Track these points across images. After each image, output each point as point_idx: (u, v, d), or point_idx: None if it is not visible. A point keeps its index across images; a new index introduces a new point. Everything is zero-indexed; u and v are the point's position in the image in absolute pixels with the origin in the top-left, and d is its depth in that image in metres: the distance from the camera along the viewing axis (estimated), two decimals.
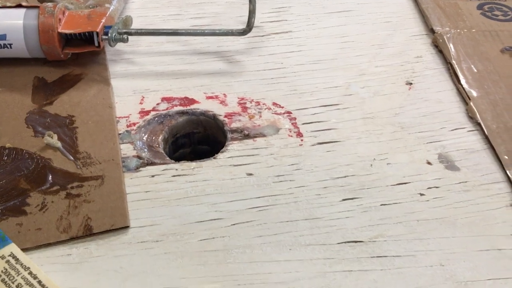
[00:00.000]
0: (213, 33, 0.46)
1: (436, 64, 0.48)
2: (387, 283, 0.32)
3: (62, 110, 0.41)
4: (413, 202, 0.37)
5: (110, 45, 0.44)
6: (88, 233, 0.34)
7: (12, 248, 0.31)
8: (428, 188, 0.38)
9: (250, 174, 0.38)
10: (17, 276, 0.30)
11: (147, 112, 0.42)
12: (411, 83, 0.46)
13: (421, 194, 0.37)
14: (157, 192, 0.37)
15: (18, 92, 0.42)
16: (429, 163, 0.39)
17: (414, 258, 0.34)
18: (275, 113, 0.43)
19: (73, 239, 0.34)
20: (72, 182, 0.36)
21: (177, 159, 0.40)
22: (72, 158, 0.38)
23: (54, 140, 0.38)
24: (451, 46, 0.48)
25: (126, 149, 0.39)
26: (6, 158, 0.38)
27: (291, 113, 0.43)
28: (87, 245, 0.34)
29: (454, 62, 0.47)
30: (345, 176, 0.38)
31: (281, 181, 0.38)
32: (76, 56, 0.45)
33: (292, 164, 0.39)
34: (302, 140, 0.41)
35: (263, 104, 0.43)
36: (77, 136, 0.39)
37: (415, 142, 0.41)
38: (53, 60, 0.44)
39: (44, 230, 0.34)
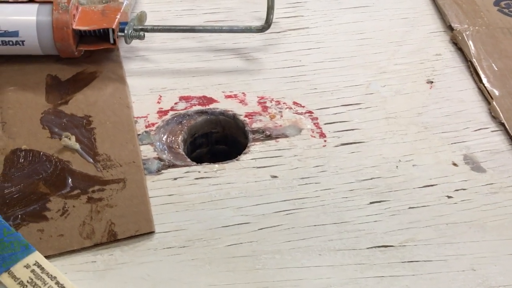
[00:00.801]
0: (231, 30, 0.45)
1: (456, 62, 0.47)
2: None
3: (78, 110, 0.40)
4: (441, 205, 0.36)
5: (126, 42, 0.43)
6: (112, 239, 0.33)
7: (36, 256, 0.30)
8: (456, 190, 0.37)
9: (275, 177, 0.37)
10: (44, 286, 0.29)
11: (166, 112, 0.41)
12: (432, 82, 0.45)
13: (449, 197, 0.37)
14: (180, 195, 0.36)
15: (31, 91, 0.41)
16: (455, 164, 0.39)
17: (446, 262, 0.33)
18: (296, 113, 0.42)
19: (96, 245, 0.33)
20: (93, 185, 0.35)
21: (195, 159, 0.39)
22: (91, 160, 0.37)
23: (72, 141, 0.37)
24: (470, 43, 0.48)
25: (146, 151, 0.38)
26: (22, 160, 0.36)
27: (312, 112, 0.42)
28: (111, 252, 0.33)
29: (474, 60, 0.46)
30: (371, 178, 0.38)
31: (306, 184, 0.37)
32: (89, 53, 0.44)
33: (316, 166, 0.38)
34: (325, 141, 0.40)
35: (283, 103, 0.42)
36: (95, 137, 0.38)
37: (440, 143, 0.40)
38: (66, 57, 0.43)
39: (66, 236, 0.33)
